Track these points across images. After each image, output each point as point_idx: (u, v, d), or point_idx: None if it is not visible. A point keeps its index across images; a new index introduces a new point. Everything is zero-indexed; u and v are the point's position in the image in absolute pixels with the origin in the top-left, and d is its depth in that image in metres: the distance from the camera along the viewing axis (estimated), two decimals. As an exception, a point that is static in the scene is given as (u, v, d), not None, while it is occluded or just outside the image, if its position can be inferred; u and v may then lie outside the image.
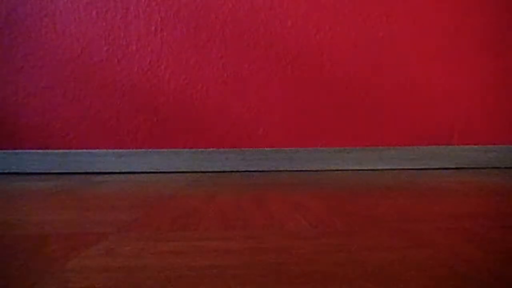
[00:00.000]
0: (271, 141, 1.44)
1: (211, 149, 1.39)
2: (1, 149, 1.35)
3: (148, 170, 1.36)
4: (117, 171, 1.35)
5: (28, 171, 1.34)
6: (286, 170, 1.43)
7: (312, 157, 1.44)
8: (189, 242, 0.46)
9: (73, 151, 1.35)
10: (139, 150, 1.37)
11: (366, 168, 1.45)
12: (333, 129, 1.46)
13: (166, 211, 0.66)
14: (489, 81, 1.48)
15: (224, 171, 1.38)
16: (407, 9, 1.47)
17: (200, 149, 1.38)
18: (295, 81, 1.44)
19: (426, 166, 1.44)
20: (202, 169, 1.38)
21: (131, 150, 1.37)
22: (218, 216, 0.61)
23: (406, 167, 1.45)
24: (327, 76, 1.46)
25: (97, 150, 1.36)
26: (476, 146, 1.46)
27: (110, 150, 1.36)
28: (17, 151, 1.35)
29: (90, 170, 1.35)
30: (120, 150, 1.36)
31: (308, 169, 1.44)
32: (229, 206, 0.71)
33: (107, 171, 1.35)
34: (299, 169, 1.44)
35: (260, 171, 1.40)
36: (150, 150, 1.37)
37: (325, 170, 1.44)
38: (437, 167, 1.44)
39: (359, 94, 1.46)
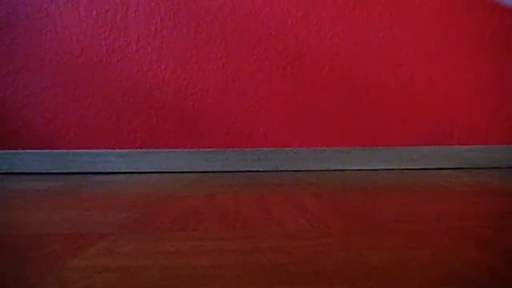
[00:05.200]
0: (271, 141, 1.44)
1: (211, 149, 1.39)
2: (1, 149, 1.35)
3: (148, 170, 1.36)
4: (117, 171, 1.35)
5: (28, 171, 1.34)
6: (286, 170, 1.43)
7: (312, 157, 1.44)
8: (189, 242, 0.46)
9: (73, 151, 1.35)
10: (139, 150, 1.37)
11: (366, 168, 1.45)
12: (333, 129, 1.46)
13: (166, 211, 0.66)
14: (489, 81, 1.48)
15: (224, 171, 1.38)
16: (407, 9, 1.47)
17: (200, 149, 1.38)
18: (295, 81, 1.44)
19: (426, 166, 1.44)
20: (202, 169, 1.38)
21: (131, 150, 1.37)
22: (218, 216, 0.61)
23: (406, 167, 1.45)
24: (327, 76, 1.46)
25: (97, 150, 1.36)
26: (476, 146, 1.46)
27: (110, 150, 1.36)
28: (17, 151, 1.35)
29: (90, 170, 1.35)
30: (120, 150, 1.36)
31: (308, 169, 1.44)
32: (229, 206, 0.71)
33: (107, 171, 1.35)
34: (299, 169, 1.44)
35: (260, 171, 1.40)
36: (150, 150, 1.37)
37: (325, 170, 1.44)
38: (437, 167, 1.44)
39: (359, 94, 1.47)
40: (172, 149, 1.38)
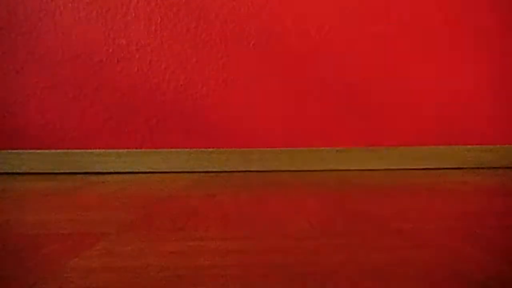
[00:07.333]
0: (271, 141, 1.44)
1: (211, 149, 1.39)
2: (1, 149, 1.35)
3: (148, 170, 1.36)
4: (117, 171, 1.35)
5: (28, 171, 1.34)
6: (286, 170, 1.43)
7: (312, 157, 1.44)
8: (189, 242, 0.46)
9: (73, 151, 1.35)
10: (139, 150, 1.37)
11: (366, 168, 1.45)
12: (333, 129, 1.46)
13: (166, 211, 0.66)
14: (489, 81, 1.48)
15: (224, 171, 1.38)
16: (408, 9, 1.47)
17: (200, 149, 1.38)
18: (295, 81, 1.44)
19: (426, 166, 1.44)
20: (202, 169, 1.38)
21: (131, 150, 1.37)
22: (218, 216, 0.61)
23: (406, 167, 1.45)
24: (327, 76, 1.46)
25: (97, 150, 1.36)
26: (476, 146, 1.45)
27: (110, 150, 1.36)
28: (17, 151, 1.35)
29: (90, 170, 1.35)
30: (120, 150, 1.36)
31: (308, 169, 1.44)
32: (229, 206, 0.71)
33: (107, 171, 1.35)
34: (299, 169, 1.44)
35: (260, 171, 1.40)
36: (150, 150, 1.37)
37: (325, 170, 1.44)
38: (437, 167, 1.44)
39: (359, 94, 1.46)
40: (172, 149, 1.38)
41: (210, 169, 1.38)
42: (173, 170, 1.36)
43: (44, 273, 0.36)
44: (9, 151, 1.35)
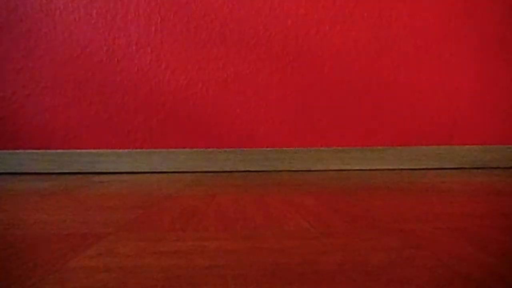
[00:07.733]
0: (271, 141, 1.44)
1: (211, 149, 1.39)
2: (1, 149, 1.35)
3: (148, 170, 1.36)
4: (117, 171, 1.35)
5: (28, 171, 1.34)
6: (286, 170, 1.43)
7: (312, 157, 1.44)
8: (189, 242, 0.46)
9: (73, 151, 1.35)
10: (139, 150, 1.37)
11: (366, 168, 1.45)
12: (333, 129, 1.46)
13: (166, 211, 0.66)
14: (488, 81, 1.48)
15: (224, 171, 1.38)
16: (407, 9, 1.47)
17: (200, 149, 1.38)
18: (295, 81, 1.44)
19: (426, 166, 1.44)
20: (202, 169, 1.38)
21: (131, 150, 1.37)
22: (218, 216, 0.61)
23: (406, 167, 1.45)
24: (327, 76, 1.46)
25: (97, 150, 1.36)
26: (476, 146, 1.46)
27: (110, 150, 1.36)
28: (17, 151, 1.35)
29: (90, 170, 1.35)
30: (120, 150, 1.36)
31: (308, 169, 1.44)
32: (229, 206, 0.71)
33: (107, 171, 1.35)
34: (299, 169, 1.44)
35: (260, 171, 1.40)
36: (150, 150, 1.37)
37: (325, 170, 1.44)
38: (437, 167, 1.44)
39: (359, 94, 1.46)
40: (172, 149, 1.38)
41: (210, 169, 1.38)
42: (173, 170, 1.36)
43: (44, 273, 0.36)
44: (9, 151, 1.35)
